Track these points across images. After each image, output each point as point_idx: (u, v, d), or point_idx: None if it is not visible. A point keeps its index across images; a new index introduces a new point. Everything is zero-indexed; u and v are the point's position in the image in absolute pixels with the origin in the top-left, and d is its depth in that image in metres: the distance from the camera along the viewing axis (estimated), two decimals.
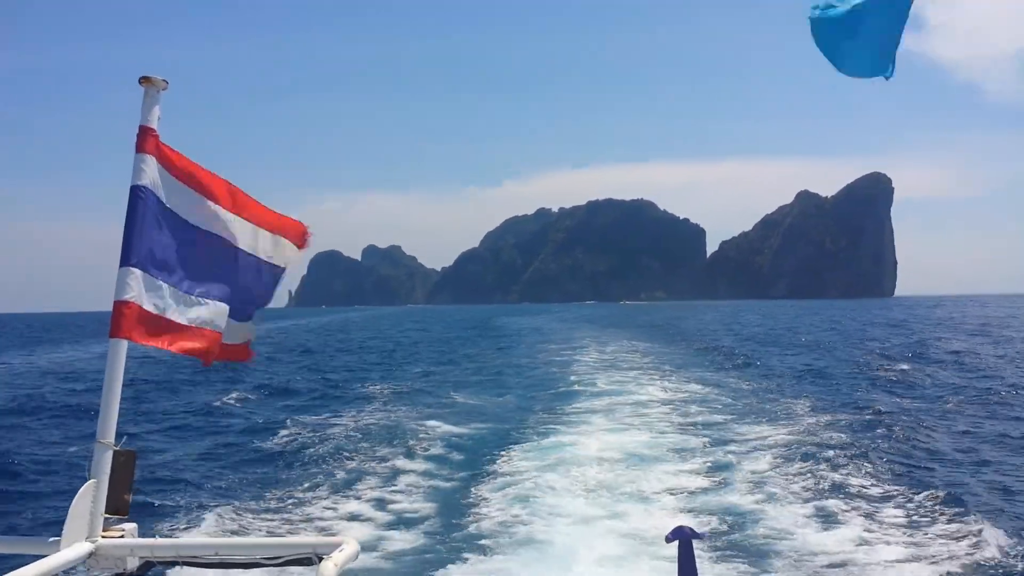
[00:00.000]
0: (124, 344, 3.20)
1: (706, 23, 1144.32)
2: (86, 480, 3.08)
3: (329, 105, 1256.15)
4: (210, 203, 3.51)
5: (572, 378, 28.40)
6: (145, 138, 3.28)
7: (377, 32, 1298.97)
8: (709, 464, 13.80)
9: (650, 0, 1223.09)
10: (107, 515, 3.09)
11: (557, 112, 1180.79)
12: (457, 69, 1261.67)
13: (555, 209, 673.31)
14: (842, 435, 16.07)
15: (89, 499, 3.02)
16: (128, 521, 3.18)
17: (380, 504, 11.91)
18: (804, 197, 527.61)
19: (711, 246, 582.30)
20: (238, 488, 13.26)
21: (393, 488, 12.85)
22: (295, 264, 3.81)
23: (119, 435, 3.16)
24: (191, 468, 14.91)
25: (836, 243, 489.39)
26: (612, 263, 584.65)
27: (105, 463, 3.10)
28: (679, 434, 16.86)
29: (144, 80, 3.29)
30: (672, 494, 12.00)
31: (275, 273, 3.78)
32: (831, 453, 14.23)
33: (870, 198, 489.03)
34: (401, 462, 14.69)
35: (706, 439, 16.02)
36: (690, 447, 15.38)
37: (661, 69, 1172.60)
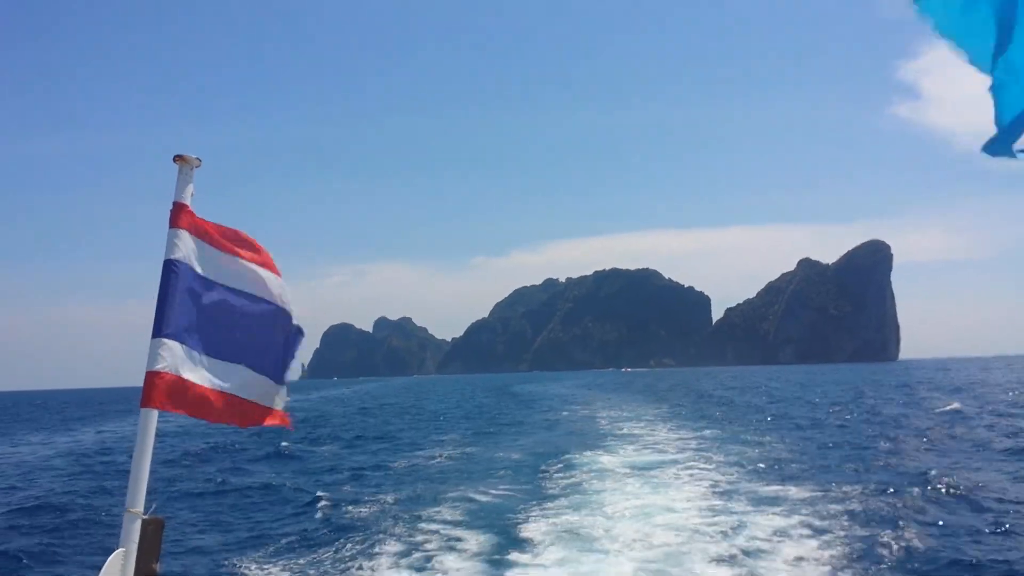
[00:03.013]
0: (155, 414, 3.23)
1: (709, 97, 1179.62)
2: (114, 550, 3.05)
3: (336, 179, 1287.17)
4: (244, 261, 3.65)
5: (598, 428, 32.58)
6: (179, 214, 3.40)
7: (383, 109, 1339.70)
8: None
9: (653, 74, 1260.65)
10: None
11: (562, 183, 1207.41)
12: (463, 144, 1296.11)
13: (562, 279, 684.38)
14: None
15: (117, 569, 2.98)
16: None
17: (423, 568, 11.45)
18: (806, 264, 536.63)
19: (716, 313, 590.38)
20: (270, 556, 12.64)
21: (437, 550, 12.35)
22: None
23: (148, 503, 3.14)
24: (219, 536, 14.43)
25: (840, 309, 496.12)
26: (620, 331, 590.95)
27: (133, 532, 3.08)
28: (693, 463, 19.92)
29: (178, 158, 3.42)
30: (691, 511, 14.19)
31: (296, 331, 3.90)
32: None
33: (870, 265, 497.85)
34: (444, 528, 14.17)
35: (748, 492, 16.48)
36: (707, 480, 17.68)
37: (662, 141, 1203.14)
